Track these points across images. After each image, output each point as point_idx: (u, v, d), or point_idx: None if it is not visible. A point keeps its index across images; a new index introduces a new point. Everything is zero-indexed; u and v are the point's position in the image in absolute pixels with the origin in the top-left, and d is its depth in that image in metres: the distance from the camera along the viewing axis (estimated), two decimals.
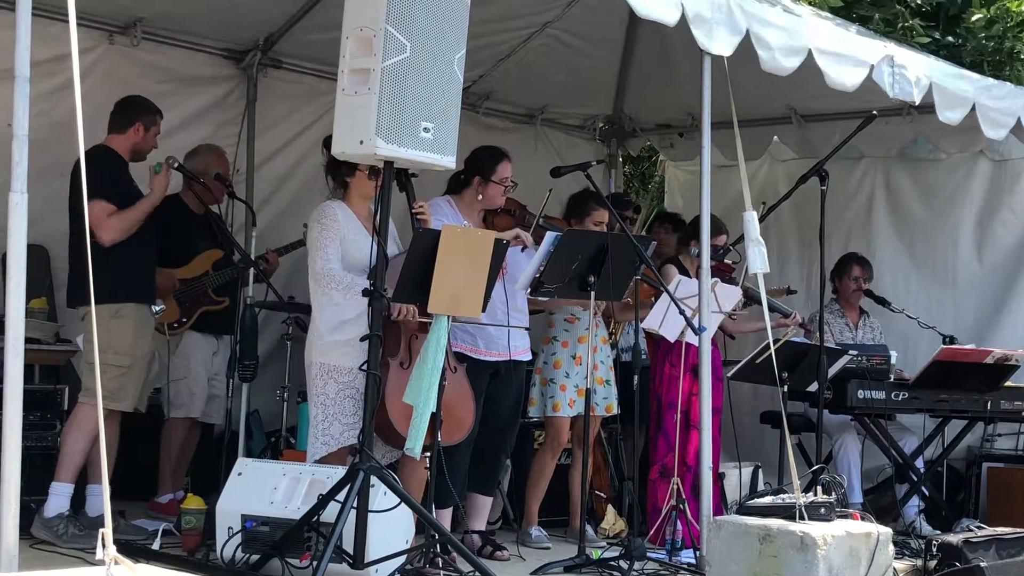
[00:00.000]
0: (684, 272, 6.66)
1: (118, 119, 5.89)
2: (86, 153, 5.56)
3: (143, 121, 5.90)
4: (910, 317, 7.85)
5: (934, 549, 6.10)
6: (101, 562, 3.10)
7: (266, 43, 7.40)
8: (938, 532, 6.84)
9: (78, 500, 5.77)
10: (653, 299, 6.34)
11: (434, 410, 4.96)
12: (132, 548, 5.12)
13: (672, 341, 6.35)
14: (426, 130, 4.57)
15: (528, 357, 6.18)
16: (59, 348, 6.25)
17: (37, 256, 6.49)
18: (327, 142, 4.93)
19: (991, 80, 7.59)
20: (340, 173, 5.46)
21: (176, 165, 6.05)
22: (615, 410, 6.48)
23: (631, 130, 9.52)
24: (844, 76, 6.28)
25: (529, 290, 5.82)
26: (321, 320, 5.34)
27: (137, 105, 5.96)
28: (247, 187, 7.28)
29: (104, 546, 3.09)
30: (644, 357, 6.82)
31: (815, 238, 7.69)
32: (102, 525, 3.11)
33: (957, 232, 8.60)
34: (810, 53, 6.08)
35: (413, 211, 5.26)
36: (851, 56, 6.34)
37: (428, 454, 5.15)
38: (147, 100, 6.02)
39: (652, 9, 5.42)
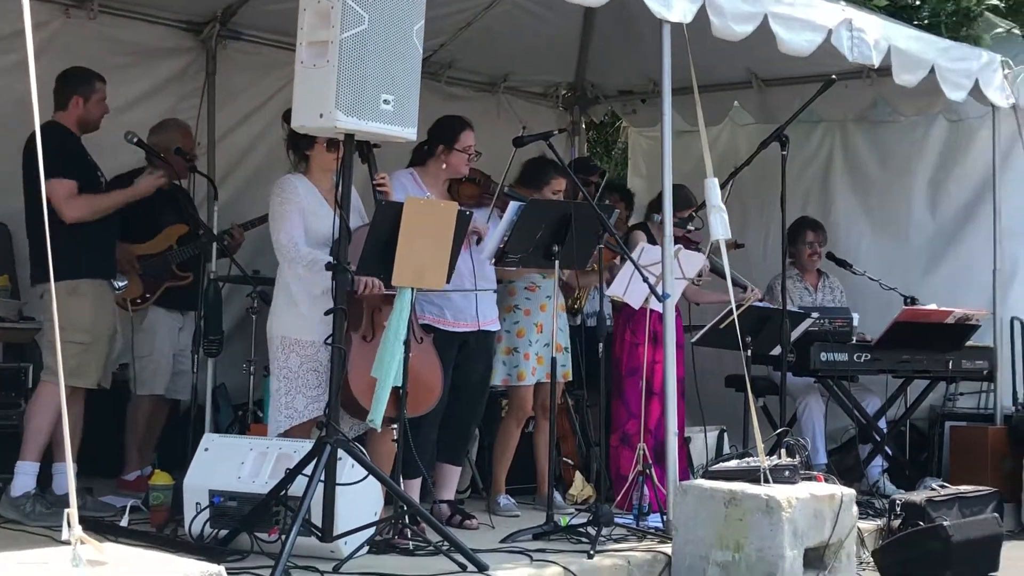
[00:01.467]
0: (652, 240, 6.69)
1: (58, 96, 5.84)
2: (41, 131, 5.57)
3: (80, 93, 5.84)
4: (872, 279, 7.91)
5: (898, 509, 6.19)
6: (68, 542, 3.10)
7: (225, 14, 7.34)
8: (901, 491, 6.93)
9: (45, 478, 5.76)
10: (617, 261, 6.36)
11: (398, 384, 4.97)
12: (100, 525, 5.12)
13: (636, 308, 6.37)
14: (386, 102, 4.56)
15: (497, 327, 6.19)
16: (22, 326, 6.22)
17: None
18: (287, 116, 4.92)
19: (949, 42, 7.63)
20: (300, 146, 5.44)
21: (135, 140, 6.01)
22: (570, 377, 6.51)
23: (593, 97, 9.53)
24: (798, 42, 6.30)
25: (493, 260, 5.84)
26: (288, 294, 5.32)
27: (71, 78, 5.88)
28: (208, 160, 7.24)
29: (70, 526, 3.10)
30: (609, 323, 6.88)
31: (772, 201, 7.76)
32: (69, 503, 3.11)
33: (911, 191, 8.68)
34: (765, 18, 6.09)
35: (375, 183, 5.26)
36: (808, 21, 6.36)
37: (395, 426, 5.17)
38: (82, 70, 5.92)
39: None
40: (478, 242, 5.79)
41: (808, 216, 8.22)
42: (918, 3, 8.93)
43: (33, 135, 5.43)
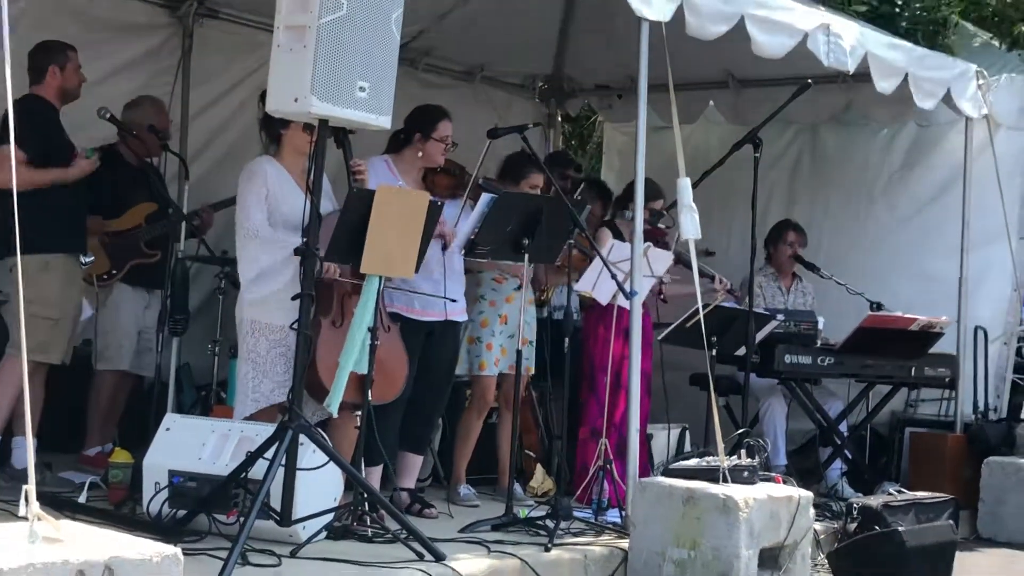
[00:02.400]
0: (618, 236, 6.71)
1: (33, 70, 5.81)
2: (14, 104, 5.53)
3: (55, 63, 5.82)
4: (839, 283, 7.96)
5: (854, 512, 6.24)
6: (25, 518, 3.10)
7: None
8: (859, 495, 6.99)
9: (5, 452, 5.73)
10: (587, 262, 6.38)
11: (363, 371, 4.98)
12: (58, 501, 5.10)
13: (604, 304, 6.40)
14: (362, 89, 4.55)
15: (464, 318, 6.20)
16: None
17: None
18: (263, 97, 4.89)
19: (924, 50, 7.70)
20: (273, 128, 5.42)
21: (108, 116, 5.98)
22: (532, 371, 6.54)
23: (570, 90, 9.54)
24: (773, 44, 6.34)
25: (463, 251, 5.84)
26: (244, 276, 5.30)
27: (44, 51, 5.86)
28: (181, 139, 7.20)
29: (27, 502, 3.09)
30: (576, 318, 6.89)
31: (736, 199, 7.80)
32: (27, 478, 3.11)
33: (876, 195, 8.75)
34: (742, 19, 6.12)
35: (351, 170, 5.24)
36: (784, 24, 6.40)
37: (358, 413, 5.17)
38: (53, 41, 5.90)
39: None
40: (444, 248, 5.76)
41: (791, 219, 8.28)
42: (897, 11, 8.98)
43: (13, 106, 5.43)
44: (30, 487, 3.07)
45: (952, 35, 8.77)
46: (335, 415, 5.10)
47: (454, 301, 5.94)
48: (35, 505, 3.09)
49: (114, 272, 6.44)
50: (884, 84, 7.01)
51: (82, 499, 5.32)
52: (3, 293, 6.09)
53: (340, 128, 5.00)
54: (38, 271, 5.53)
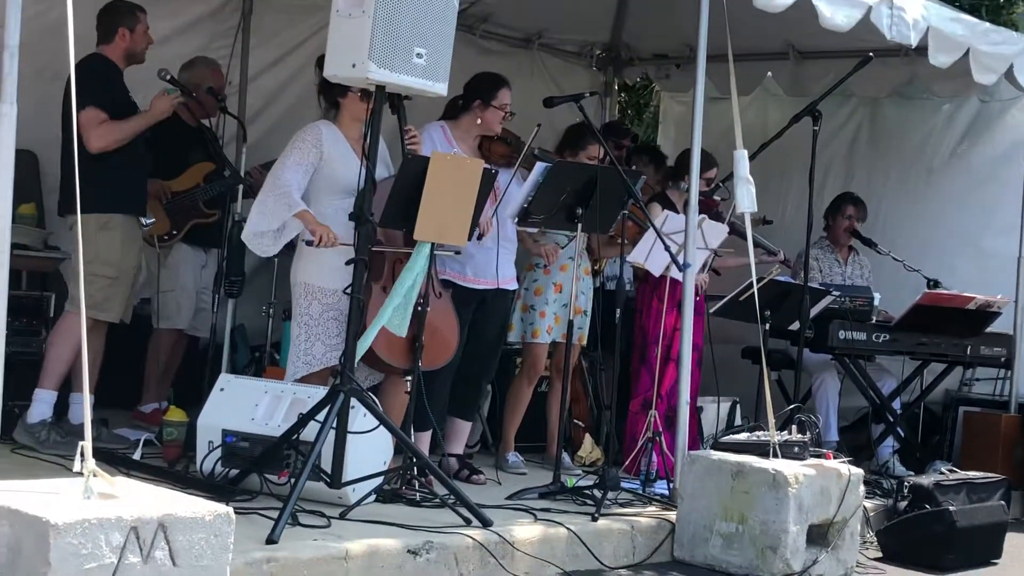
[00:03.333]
0: (671, 206, 6.68)
1: (102, 30, 5.85)
2: (81, 62, 5.58)
3: (125, 25, 5.85)
4: (896, 260, 7.88)
5: (905, 490, 6.20)
6: (80, 473, 3.15)
7: None
8: (911, 473, 6.95)
9: (62, 407, 5.82)
10: (640, 233, 6.36)
11: (398, 332, 5.00)
12: (113, 457, 5.18)
13: (657, 276, 6.38)
14: (419, 56, 4.55)
15: (515, 286, 6.21)
16: (47, 255, 6.26)
17: (26, 162, 6.44)
18: (320, 62, 4.91)
19: (988, 25, 7.56)
20: (332, 93, 5.43)
21: (168, 77, 6.02)
22: (585, 342, 6.54)
23: (628, 59, 9.48)
24: (838, 17, 6.26)
25: (516, 219, 5.84)
26: (249, 225, 5.28)
27: (114, 11, 5.88)
28: (239, 101, 7.23)
29: (83, 458, 3.14)
30: (629, 288, 6.88)
31: (792, 172, 7.73)
32: (83, 435, 3.15)
33: (932, 165, 8.65)
34: None
35: (405, 137, 5.25)
36: None
37: (409, 378, 5.20)
38: (123, 2, 5.91)
39: None
40: (479, 237, 5.73)
41: (851, 192, 8.20)
42: None
43: (78, 66, 5.48)
44: (86, 443, 3.13)
45: (1017, 10, 8.62)
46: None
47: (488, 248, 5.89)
48: (91, 461, 3.14)
49: (175, 232, 6.50)
50: (942, 58, 6.91)
51: (136, 456, 5.40)
52: (63, 251, 6.17)
53: (396, 94, 5.01)
54: (98, 230, 5.59)
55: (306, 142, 5.30)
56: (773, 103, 9.05)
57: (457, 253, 5.53)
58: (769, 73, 8.84)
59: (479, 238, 5.68)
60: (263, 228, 5.21)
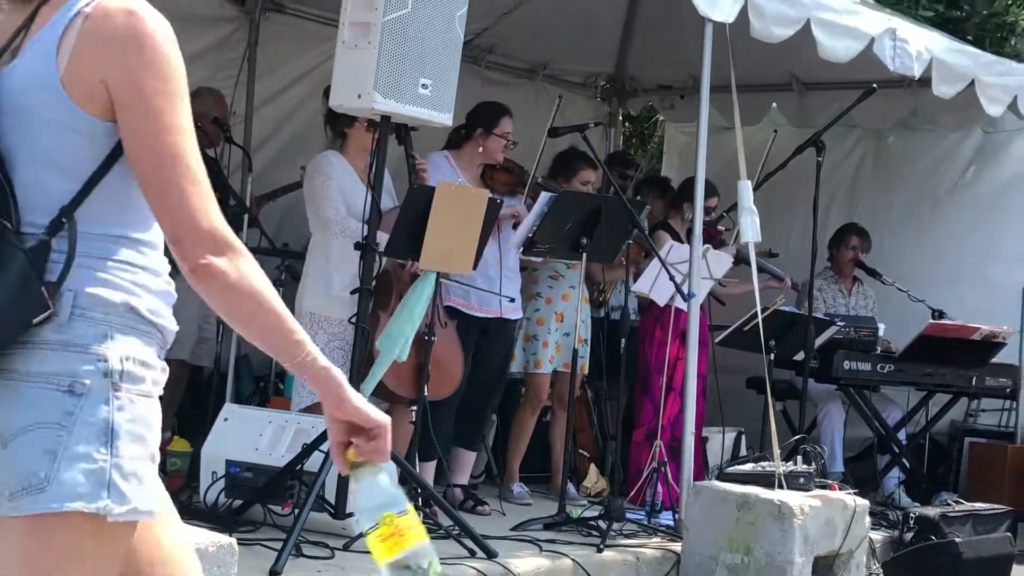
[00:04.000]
0: (674, 235, 6.69)
1: None
2: None
3: None
4: (900, 290, 7.87)
5: (911, 522, 6.18)
6: None
7: None
8: (916, 505, 6.92)
9: None
10: (643, 255, 6.37)
11: (402, 361, 4.99)
12: None
13: (661, 306, 6.38)
14: (424, 86, 4.57)
15: (519, 315, 6.21)
16: None
17: None
18: (326, 92, 4.93)
19: (992, 56, 7.59)
20: (339, 124, 5.45)
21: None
22: (587, 370, 6.54)
23: (632, 90, 9.51)
24: (839, 48, 6.28)
25: (521, 249, 5.85)
26: (321, 271, 5.31)
27: None
28: (245, 130, 7.26)
29: None
30: (633, 318, 6.88)
31: (797, 203, 7.74)
32: None
33: (938, 196, 8.65)
34: (808, 23, 6.07)
35: (413, 167, 5.27)
36: (851, 28, 6.34)
37: (414, 408, 5.19)
38: None
39: None
40: (514, 226, 5.79)
41: (856, 223, 8.21)
42: (964, 16, 8.87)
43: None
44: None
45: (1021, 42, 8.65)
46: (366, 397, 5.11)
47: (511, 300, 5.94)
48: None
49: None
50: (944, 88, 6.93)
51: None
52: None
53: (402, 124, 5.02)
54: None
55: (328, 174, 5.31)
56: (779, 133, 9.06)
57: (512, 300, 5.62)
58: (774, 104, 8.86)
59: (514, 226, 5.70)
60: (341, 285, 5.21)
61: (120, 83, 1.88)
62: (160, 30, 1.92)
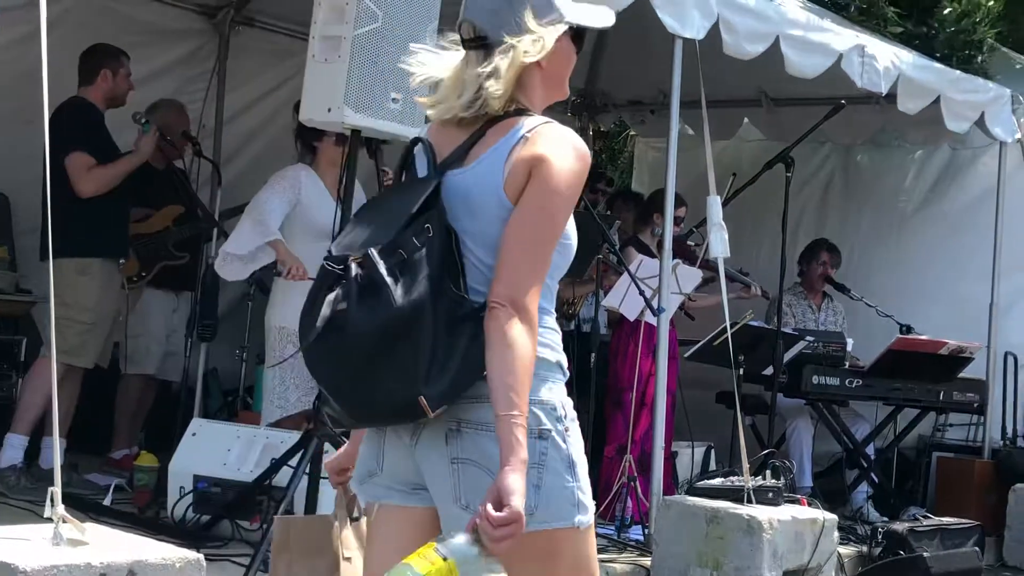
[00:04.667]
0: (644, 249, 6.70)
1: (84, 70, 5.87)
2: (63, 105, 5.59)
3: (108, 67, 5.88)
4: (869, 305, 7.91)
5: (879, 536, 6.20)
6: (50, 519, 3.11)
7: (240, 0, 7.34)
8: (885, 519, 6.95)
9: (34, 452, 5.76)
10: (613, 271, 6.37)
11: None
12: (83, 503, 5.12)
13: (632, 320, 6.39)
14: (395, 100, 4.56)
15: None
16: (18, 299, 6.23)
17: None
18: (297, 106, 4.92)
19: (959, 73, 7.65)
20: (308, 138, 5.45)
21: (143, 120, 6.02)
22: None
23: (603, 105, 9.53)
24: (806, 64, 6.33)
25: None
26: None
27: (99, 52, 5.92)
28: (214, 145, 7.24)
29: (53, 504, 3.10)
30: (604, 333, 6.89)
31: (767, 218, 7.77)
32: (54, 479, 3.12)
33: (906, 212, 8.71)
34: (777, 39, 6.11)
35: (383, 183, 5.26)
36: (819, 44, 6.39)
37: None
38: (108, 45, 5.97)
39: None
40: None
41: (826, 238, 8.25)
42: (933, 33, 8.93)
43: (60, 108, 5.48)
44: (56, 489, 3.09)
45: (988, 59, 8.71)
46: None
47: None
48: (60, 507, 3.10)
49: (144, 274, 6.47)
50: (910, 104, 6.99)
51: (107, 502, 5.35)
52: (35, 295, 6.13)
53: (373, 139, 5.02)
54: (76, 275, 5.56)
55: (286, 181, 5.32)
56: (747, 149, 9.11)
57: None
58: (746, 119, 8.90)
59: None
60: (236, 251, 5.21)
61: (533, 179, 2.41)
62: (584, 154, 2.51)
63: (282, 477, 4.67)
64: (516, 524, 2.21)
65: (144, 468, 5.52)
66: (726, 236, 5.74)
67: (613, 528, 5.99)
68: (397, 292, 2.32)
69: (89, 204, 5.62)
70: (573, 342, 6.59)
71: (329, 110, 4.47)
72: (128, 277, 6.38)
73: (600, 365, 6.24)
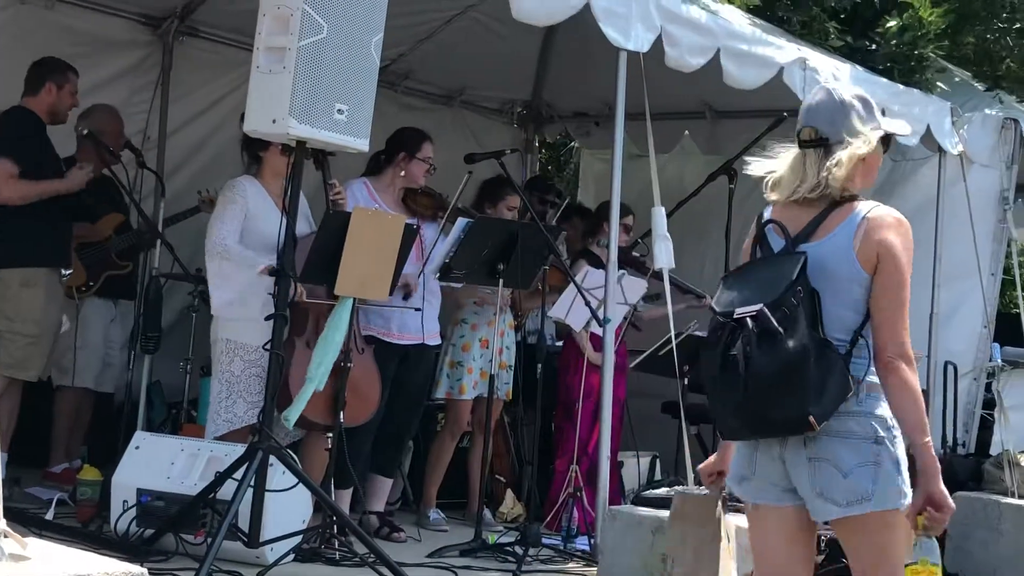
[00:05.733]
0: (595, 261, 6.72)
1: (30, 83, 5.83)
2: (2, 114, 5.53)
3: (53, 80, 5.84)
4: None
5: (823, 545, 6.23)
6: None
7: (184, 10, 7.29)
8: (827, 528, 6.99)
9: None
10: (565, 279, 6.39)
11: (319, 390, 4.97)
12: (25, 517, 5.06)
13: (578, 331, 6.41)
14: (340, 112, 4.56)
15: (438, 342, 6.21)
16: None
17: None
18: (244, 117, 4.90)
19: (900, 86, 7.76)
20: (254, 148, 5.43)
21: (86, 132, 5.97)
22: (511, 397, 6.54)
23: (548, 116, 9.57)
24: (746, 76, 6.40)
25: (438, 274, 5.85)
26: (218, 297, 5.30)
27: (47, 65, 5.88)
28: (158, 156, 7.19)
29: None
30: (551, 344, 6.90)
31: (711, 230, 7.82)
32: None
33: None
34: (718, 52, 6.17)
35: (330, 195, 5.26)
36: (760, 57, 6.46)
37: (330, 435, 5.16)
38: (58, 60, 5.95)
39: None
40: (404, 297, 5.74)
41: None
42: (875, 47, 9.04)
43: None
44: None
45: (929, 73, 8.83)
46: (290, 428, 5.10)
47: (418, 310, 5.89)
48: (2, 521, 3.06)
49: (91, 284, 6.40)
50: None
51: (49, 516, 5.28)
52: None
53: (319, 150, 5.01)
54: (20, 287, 5.50)
55: (233, 192, 5.30)
56: (691, 161, 9.16)
57: (417, 310, 5.58)
58: (687, 132, 8.95)
59: (405, 297, 5.68)
60: (231, 298, 5.18)
61: (884, 253, 3.19)
62: (908, 227, 3.28)
63: (227, 490, 4.64)
64: (950, 511, 3.07)
65: (87, 482, 5.47)
66: (671, 247, 5.78)
67: (560, 539, 6.00)
68: (787, 339, 3.07)
69: (30, 214, 5.56)
70: (521, 353, 6.61)
71: (274, 121, 4.46)
72: (76, 287, 6.31)
73: (548, 376, 6.26)
